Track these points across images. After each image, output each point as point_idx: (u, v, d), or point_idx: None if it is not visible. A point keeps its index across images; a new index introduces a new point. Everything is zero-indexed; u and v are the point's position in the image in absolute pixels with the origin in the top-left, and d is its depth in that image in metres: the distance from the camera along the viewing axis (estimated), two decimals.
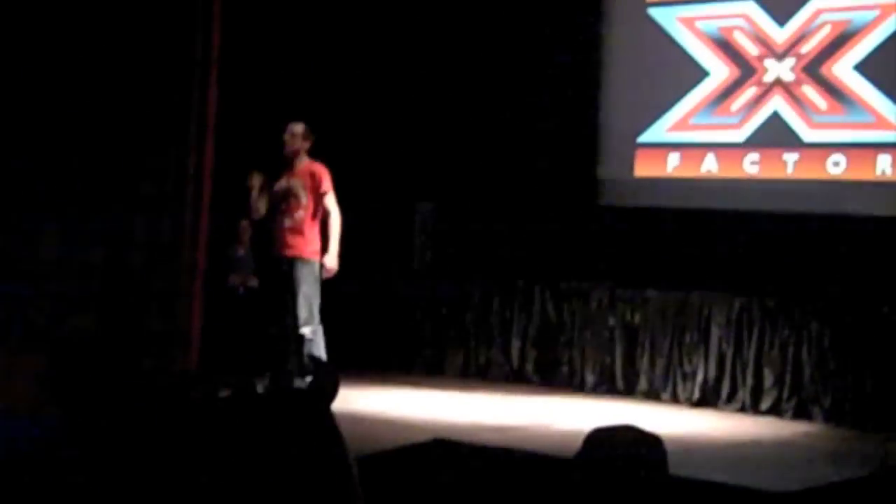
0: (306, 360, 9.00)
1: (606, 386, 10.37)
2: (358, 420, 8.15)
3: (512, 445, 7.24)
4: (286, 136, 9.13)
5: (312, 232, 9.06)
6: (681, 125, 11.20)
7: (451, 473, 6.73)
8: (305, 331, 8.99)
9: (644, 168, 11.40)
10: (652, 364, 10.17)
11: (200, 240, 8.79)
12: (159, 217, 8.80)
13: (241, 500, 2.61)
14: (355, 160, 10.97)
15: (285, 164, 9.17)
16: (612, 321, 10.42)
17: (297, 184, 9.08)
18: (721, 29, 11.07)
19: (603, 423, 3.07)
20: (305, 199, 9.05)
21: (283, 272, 9.02)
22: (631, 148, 11.43)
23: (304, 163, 9.15)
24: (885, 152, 10.23)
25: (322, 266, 8.99)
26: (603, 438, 3.04)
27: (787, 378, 9.49)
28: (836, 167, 10.45)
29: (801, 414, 9.41)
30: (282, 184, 9.12)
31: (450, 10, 11.83)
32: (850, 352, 9.28)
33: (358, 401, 9.03)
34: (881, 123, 10.26)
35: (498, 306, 10.96)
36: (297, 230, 9.03)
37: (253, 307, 11.06)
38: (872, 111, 10.29)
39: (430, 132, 11.79)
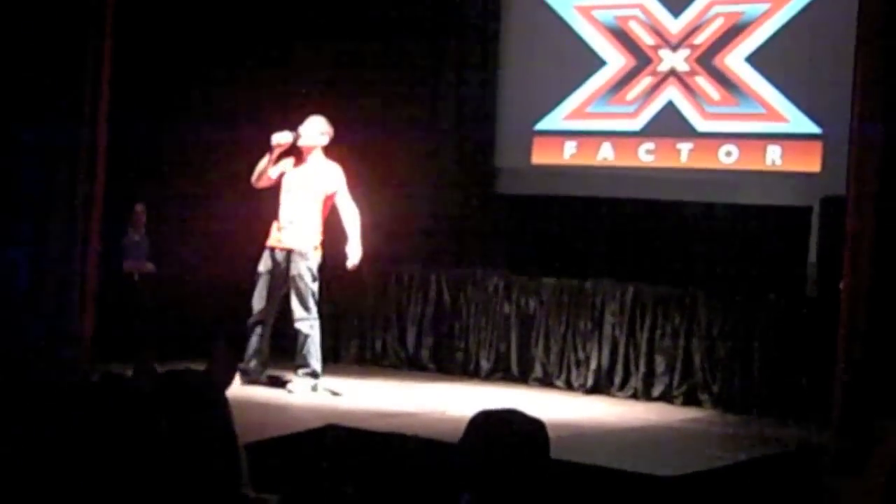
0: (300, 354, 9.04)
1: (501, 373, 10.41)
2: (253, 405, 8.12)
3: (405, 431, 7.24)
4: (302, 129, 9.05)
5: (314, 227, 9.04)
6: (578, 113, 11.29)
7: (344, 458, 6.74)
8: (302, 326, 9.00)
9: (541, 156, 11.47)
10: (546, 351, 10.23)
11: (93, 226, 8.69)
12: (51, 203, 8.70)
13: (129, 478, 2.61)
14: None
15: (298, 156, 9.11)
16: (507, 308, 10.45)
17: (306, 177, 9.04)
18: (618, 18, 11.17)
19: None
20: (312, 194, 9.03)
21: (277, 263, 9.04)
22: (528, 136, 11.50)
23: (318, 158, 9.10)
24: (774, 143, 10.42)
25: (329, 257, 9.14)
26: (486, 422, 3.07)
27: (678, 365, 9.61)
28: (728, 157, 10.62)
29: (690, 400, 9.54)
30: (291, 175, 9.07)
31: None
32: (739, 339, 9.43)
33: (254, 386, 9.01)
34: (771, 115, 10.44)
35: (394, 293, 10.96)
36: (299, 224, 9.00)
37: (148, 293, 10.99)
38: (763, 102, 10.47)
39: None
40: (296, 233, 9.00)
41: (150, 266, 11.11)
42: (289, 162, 9.14)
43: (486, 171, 11.63)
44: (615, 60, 11.14)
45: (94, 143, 8.59)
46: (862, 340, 7.17)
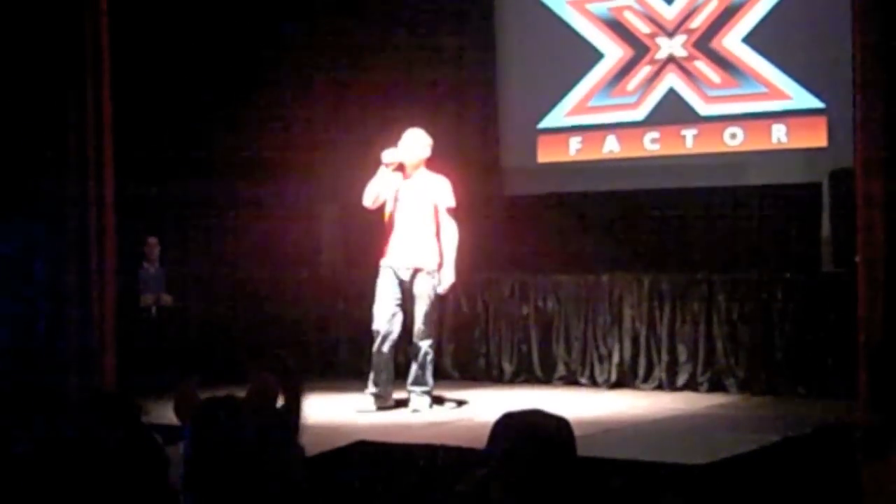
0: (418, 371, 8.92)
1: (525, 375, 10.39)
2: None
3: (435, 441, 7.23)
4: (402, 143, 8.90)
5: (433, 243, 8.90)
6: (580, 108, 11.29)
7: (377, 474, 6.72)
8: (423, 344, 8.89)
9: (547, 154, 11.46)
10: (568, 349, 10.20)
11: (108, 264, 8.67)
12: (64, 241, 8.70)
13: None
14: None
15: (404, 172, 8.92)
16: (525, 309, 10.44)
17: (417, 192, 8.88)
18: (611, 10, 11.17)
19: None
20: (425, 209, 8.87)
21: (401, 282, 8.87)
22: (532, 135, 11.49)
23: (423, 172, 8.95)
24: (779, 121, 10.40)
25: (436, 280, 8.90)
26: (509, 424, 3.07)
27: (701, 352, 9.58)
28: (733, 139, 10.60)
29: (716, 386, 9.51)
30: (402, 192, 8.89)
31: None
32: (759, 321, 9.40)
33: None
34: (773, 93, 10.42)
35: None
36: (420, 241, 8.86)
37: (166, 324, 11.00)
38: (764, 81, 10.45)
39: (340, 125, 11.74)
40: (418, 250, 8.85)
41: (167, 298, 11.13)
42: (398, 177, 8.93)
43: (492, 173, 11.61)
44: (613, 52, 11.13)
45: (101, 183, 8.57)
46: (882, 311, 7.14)
